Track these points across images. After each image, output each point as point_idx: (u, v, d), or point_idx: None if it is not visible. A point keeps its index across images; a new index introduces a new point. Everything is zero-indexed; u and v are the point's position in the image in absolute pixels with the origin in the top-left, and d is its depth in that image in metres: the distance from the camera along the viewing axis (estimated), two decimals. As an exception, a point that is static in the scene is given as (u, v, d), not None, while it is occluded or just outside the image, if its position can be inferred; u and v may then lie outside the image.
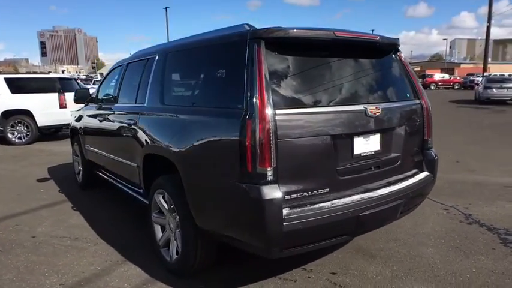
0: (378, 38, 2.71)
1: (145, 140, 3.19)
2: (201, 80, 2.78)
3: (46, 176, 6.43)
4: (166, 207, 3.05)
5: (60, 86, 10.16)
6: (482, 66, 32.19)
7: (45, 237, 3.84)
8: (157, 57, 3.38)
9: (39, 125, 9.93)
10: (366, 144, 2.57)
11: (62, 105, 10.05)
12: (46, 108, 9.89)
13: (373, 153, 2.62)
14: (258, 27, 2.38)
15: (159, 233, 3.23)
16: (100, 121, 4.33)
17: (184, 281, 2.93)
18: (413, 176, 2.93)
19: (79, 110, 5.96)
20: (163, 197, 3.07)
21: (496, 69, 55.62)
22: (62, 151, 8.78)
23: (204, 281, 2.92)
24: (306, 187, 2.29)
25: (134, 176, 3.58)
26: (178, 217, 2.81)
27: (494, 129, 11.05)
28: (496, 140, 9.19)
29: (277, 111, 2.17)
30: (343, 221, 2.35)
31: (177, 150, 2.66)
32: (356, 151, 2.52)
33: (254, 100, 2.15)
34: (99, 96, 4.80)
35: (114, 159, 4.05)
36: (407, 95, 2.95)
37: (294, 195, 2.24)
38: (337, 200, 2.37)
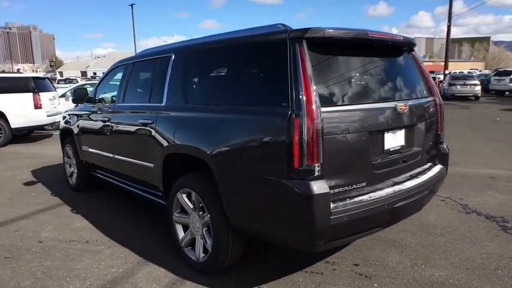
0: (400, 37, 2.84)
1: (166, 140, 3.17)
2: (233, 79, 2.79)
3: (32, 179, 6.16)
4: (191, 207, 3.04)
5: (34, 85, 9.72)
6: (440, 64, 33.68)
7: (53, 242, 3.72)
8: (173, 56, 3.35)
9: (12, 127, 9.47)
10: (394, 140, 2.69)
11: (37, 106, 9.64)
12: (20, 109, 9.44)
13: (399, 148, 2.75)
14: (294, 28, 2.44)
15: (181, 233, 3.22)
16: (103, 121, 4.23)
17: (214, 278, 2.94)
18: (429, 169, 3.09)
19: (66, 110, 5.80)
20: (188, 196, 3.07)
21: (452, 67, 58.29)
22: (40, 153, 8.45)
23: (233, 277, 2.95)
24: (347, 181, 2.38)
25: (149, 176, 3.53)
26: (209, 215, 2.82)
27: (464, 124, 11.68)
28: (468, 135, 9.73)
29: (322, 109, 2.24)
30: (381, 213, 2.46)
31: (211, 149, 2.66)
32: (386, 146, 2.64)
33: (300, 98, 2.21)
34: (99, 96, 4.67)
35: (122, 160, 3.97)
36: (424, 92, 3.11)
37: (337, 190, 2.32)
38: (373, 193, 2.48)
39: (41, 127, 10.41)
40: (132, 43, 41.03)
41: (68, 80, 28.39)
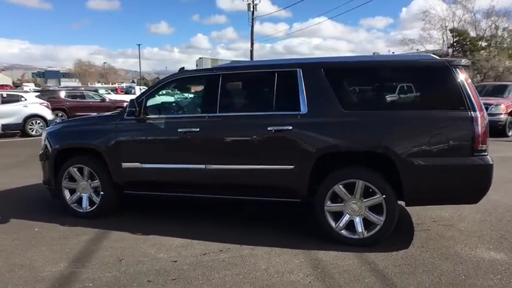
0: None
1: (321, 142, 3.74)
2: (401, 91, 3.70)
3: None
4: (349, 195, 3.74)
5: None
6: None
7: (189, 259, 3.57)
8: (301, 71, 3.91)
9: None
10: None
11: None
12: None
13: None
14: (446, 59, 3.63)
15: (332, 221, 3.82)
16: (187, 132, 4.12)
17: (377, 247, 3.70)
18: None
19: (58, 126, 4.98)
20: (346, 186, 3.73)
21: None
22: None
23: (388, 242, 3.78)
24: None
25: (283, 177, 3.90)
26: (383, 196, 3.60)
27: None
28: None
29: (481, 110, 3.52)
30: None
31: (396, 144, 3.52)
32: None
33: (474, 103, 3.43)
34: (156, 107, 4.45)
35: (225, 169, 4.07)
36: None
37: None
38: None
39: None
40: None
41: None
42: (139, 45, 73.98)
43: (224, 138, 4.11)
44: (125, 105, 18.53)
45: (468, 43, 31.31)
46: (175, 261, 3.52)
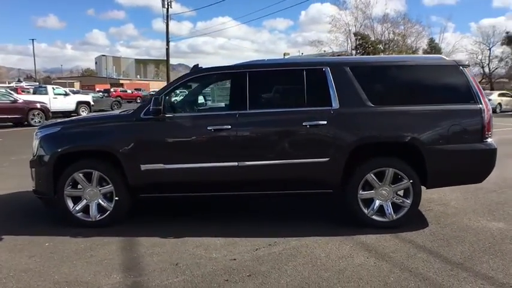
0: None
1: (355, 134, 4.04)
2: (416, 86, 4.15)
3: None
4: (379, 182, 4.10)
5: None
6: (136, 82, 37.44)
7: (247, 255, 3.58)
8: (329, 69, 4.16)
9: None
10: None
11: None
12: None
13: None
14: (454, 59, 4.20)
15: (363, 207, 4.14)
16: (220, 130, 4.07)
17: (404, 227, 4.13)
18: None
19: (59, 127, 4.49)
20: (376, 174, 4.09)
21: (155, 85, 65.08)
22: None
23: (410, 222, 4.25)
24: None
25: (317, 170, 4.10)
26: (410, 181, 4.03)
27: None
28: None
29: (484, 104, 4.15)
30: None
31: (421, 134, 3.97)
32: None
33: (481, 98, 4.04)
34: (179, 105, 4.28)
35: (259, 165, 4.10)
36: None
37: None
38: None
39: None
40: None
41: None
42: (33, 40, 66.26)
43: (258, 135, 4.17)
44: (39, 106, 16.95)
45: (370, 46, 34.80)
46: (235, 259, 3.50)
